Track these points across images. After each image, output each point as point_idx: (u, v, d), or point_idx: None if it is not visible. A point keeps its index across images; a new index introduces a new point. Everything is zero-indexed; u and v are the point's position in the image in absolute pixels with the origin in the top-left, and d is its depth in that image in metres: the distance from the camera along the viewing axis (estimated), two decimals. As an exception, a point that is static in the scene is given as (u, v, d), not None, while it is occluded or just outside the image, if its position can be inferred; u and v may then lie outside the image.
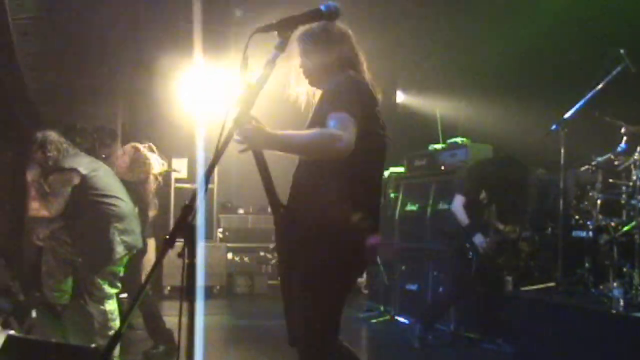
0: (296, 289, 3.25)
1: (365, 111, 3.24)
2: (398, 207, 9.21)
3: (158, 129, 10.57)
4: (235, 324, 9.21)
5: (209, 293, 11.12)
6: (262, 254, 12.61)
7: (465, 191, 7.14)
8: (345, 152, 3.04)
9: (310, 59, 3.45)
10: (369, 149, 3.28)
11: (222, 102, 10.56)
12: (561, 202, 6.69)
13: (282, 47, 2.48)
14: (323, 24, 3.39)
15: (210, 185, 11.38)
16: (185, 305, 2.33)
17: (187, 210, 2.35)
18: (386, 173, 9.78)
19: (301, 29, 3.43)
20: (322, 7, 2.49)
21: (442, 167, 8.47)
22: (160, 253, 2.35)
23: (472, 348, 7.22)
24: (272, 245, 12.78)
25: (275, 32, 2.54)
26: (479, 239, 6.91)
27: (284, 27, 2.49)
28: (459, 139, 8.48)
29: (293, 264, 3.29)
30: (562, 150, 6.60)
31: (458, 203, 7.06)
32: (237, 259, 12.15)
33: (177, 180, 11.79)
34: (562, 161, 6.61)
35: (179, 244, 2.31)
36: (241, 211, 12.57)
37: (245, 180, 11.46)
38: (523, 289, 7.20)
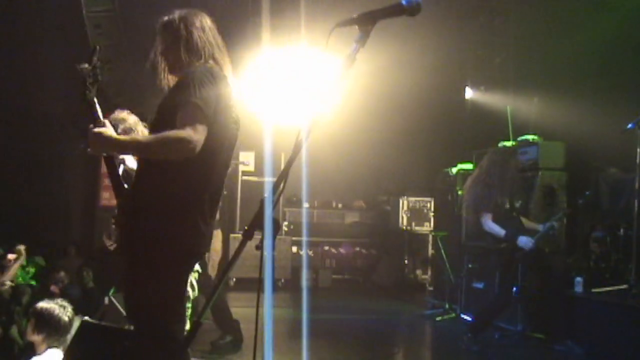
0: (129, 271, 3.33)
1: (220, 104, 3.33)
2: (463, 207, 9.10)
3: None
4: (299, 317, 9.26)
5: (274, 286, 11.21)
6: (326, 248, 12.65)
7: (490, 207, 6.97)
8: (194, 153, 3.12)
9: (170, 47, 3.51)
10: (217, 144, 3.36)
11: (289, 96, 10.61)
12: (636, 202, 6.53)
13: (362, 41, 2.46)
14: (184, 13, 3.55)
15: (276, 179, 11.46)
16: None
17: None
18: (454, 170, 9.69)
19: (164, 19, 3.55)
20: (404, 2, 2.45)
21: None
22: (239, 245, 2.37)
23: (541, 349, 7.09)
24: (336, 240, 12.83)
25: (355, 26, 2.52)
26: (523, 240, 6.75)
27: (365, 21, 2.47)
28: (530, 137, 8.33)
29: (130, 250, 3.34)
30: (639, 150, 6.44)
31: (488, 221, 6.91)
32: (302, 252, 12.21)
33: (244, 173, 11.92)
34: (638, 160, 6.45)
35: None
36: (306, 205, 12.62)
37: (310, 175, 11.50)
38: (594, 290, 7.06)
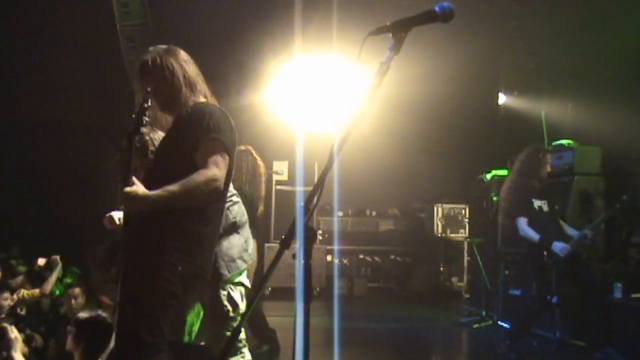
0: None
1: (233, 138, 3.47)
2: (499, 211, 9.03)
3: (259, 132, 10.74)
4: (334, 326, 9.24)
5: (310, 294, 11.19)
6: (361, 256, 12.63)
7: (523, 212, 6.87)
8: (220, 190, 3.28)
9: (162, 85, 3.53)
10: (227, 179, 3.48)
11: (321, 105, 10.63)
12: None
13: (396, 48, 2.46)
14: (168, 49, 3.60)
15: (310, 188, 11.46)
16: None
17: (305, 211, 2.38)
18: (488, 176, 9.62)
19: (147, 57, 3.57)
20: (437, 8, 2.45)
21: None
22: (277, 254, 2.38)
23: (580, 356, 6.99)
24: (370, 248, 12.80)
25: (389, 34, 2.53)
26: (558, 247, 6.64)
27: (398, 29, 2.47)
28: (565, 142, 8.24)
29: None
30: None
31: (523, 225, 6.81)
32: (336, 261, 12.20)
33: (278, 183, 11.95)
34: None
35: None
36: (340, 214, 12.61)
37: (344, 184, 11.49)
38: (633, 296, 6.95)
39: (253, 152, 6.70)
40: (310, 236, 2.37)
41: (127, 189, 3.17)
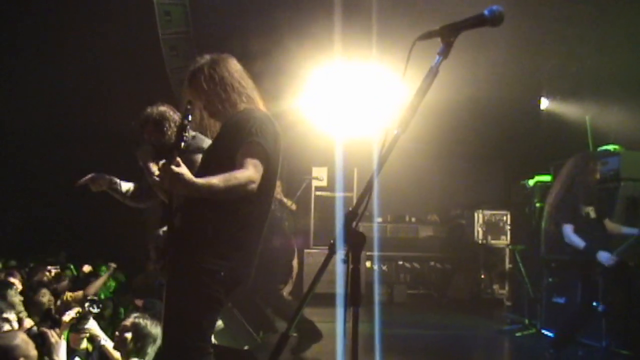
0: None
1: (276, 145, 3.51)
2: (544, 217, 8.92)
3: (299, 137, 10.78)
4: (374, 332, 9.22)
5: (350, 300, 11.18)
6: (400, 263, 12.58)
7: (569, 218, 6.76)
8: (254, 192, 3.31)
9: (211, 92, 3.60)
10: (269, 184, 3.52)
11: (361, 111, 10.63)
12: None
13: (445, 53, 2.46)
14: (217, 58, 3.66)
15: (349, 194, 11.47)
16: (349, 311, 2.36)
17: (351, 216, 2.38)
18: (531, 182, 9.52)
19: (197, 65, 3.64)
20: (486, 12, 2.44)
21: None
22: (325, 258, 2.39)
23: (627, 366, 6.88)
24: (410, 254, 12.75)
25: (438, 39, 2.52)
26: (604, 257, 6.50)
27: (447, 33, 2.47)
28: (610, 147, 8.12)
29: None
30: None
31: (569, 232, 6.69)
32: (375, 267, 12.17)
33: (317, 188, 11.96)
34: None
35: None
36: (379, 220, 12.58)
37: (383, 189, 11.46)
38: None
39: None
40: (358, 241, 2.38)
41: (175, 168, 3.15)
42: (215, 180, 3.22)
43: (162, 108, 4.84)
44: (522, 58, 10.83)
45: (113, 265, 7.70)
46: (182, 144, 3.29)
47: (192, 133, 4.34)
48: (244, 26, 10.25)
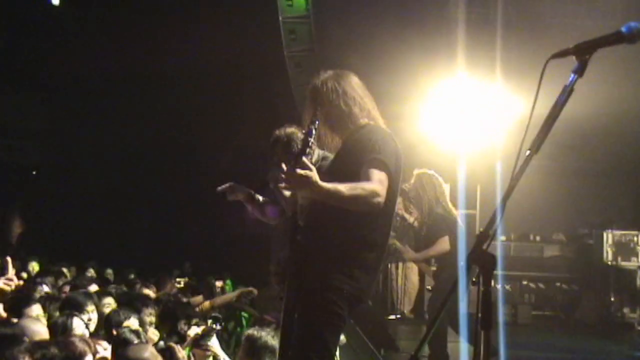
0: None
1: (398, 161, 3.51)
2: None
3: (420, 157, 10.72)
4: (501, 354, 9.01)
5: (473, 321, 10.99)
6: (524, 282, 12.27)
7: None
8: (380, 207, 3.29)
9: (333, 107, 3.59)
10: (392, 201, 3.50)
11: (483, 128, 10.47)
12: None
13: (580, 71, 2.41)
14: (338, 73, 3.66)
15: (472, 211, 11.30)
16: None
17: (482, 237, 2.36)
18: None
19: (318, 81, 3.63)
20: (624, 29, 2.38)
21: None
22: (456, 280, 2.37)
23: None
24: (535, 274, 12.40)
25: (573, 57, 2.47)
26: None
27: (582, 51, 2.42)
28: None
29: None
30: None
31: None
32: (499, 286, 11.91)
33: (439, 206, 11.83)
34: None
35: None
36: (503, 238, 12.31)
37: (507, 206, 11.22)
38: None
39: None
40: (489, 263, 2.35)
41: (301, 170, 3.21)
42: (342, 187, 3.27)
43: (290, 129, 4.86)
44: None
45: (250, 290, 7.64)
46: (307, 149, 3.34)
47: (322, 153, 4.39)
48: (366, 42, 10.33)
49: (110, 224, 15.17)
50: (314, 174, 3.23)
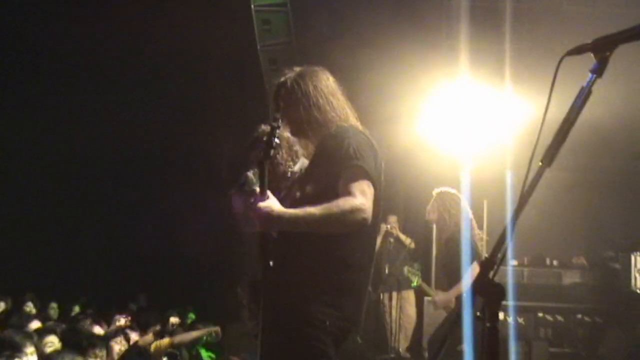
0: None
1: (377, 165, 3.52)
2: None
3: (419, 164, 10.75)
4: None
5: None
6: (540, 314, 12.32)
7: None
8: (367, 223, 3.26)
9: (301, 109, 3.65)
10: (376, 213, 3.50)
11: (491, 132, 10.53)
12: None
13: (599, 70, 2.43)
14: (309, 71, 3.74)
15: (478, 231, 11.33)
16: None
17: (488, 263, 2.37)
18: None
19: (283, 78, 3.74)
20: (647, 23, 2.41)
21: None
22: (456, 313, 2.39)
23: None
24: (552, 305, 12.46)
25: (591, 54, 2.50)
26: None
27: (601, 48, 2.44)
28: None
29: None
30: None
31: None
32: (510, 319, 11.96)
33: (440, 224, 11.88)
34: None
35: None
36: (514, 263, 12.37)
37: (519, 226, 11.26)
38: None
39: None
40: (496, 295, 2.36)
41: (261, 203, 3.23)
42: (314, 209, 3.26)
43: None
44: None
45: (216, 330, 7.69)
46: (272, 151, 3.34)
47: (300, 162, 4.38)
48: (352, 37, 10.36)
49: (53, 247, 14.71)
50: (275, 204, 3.25)
